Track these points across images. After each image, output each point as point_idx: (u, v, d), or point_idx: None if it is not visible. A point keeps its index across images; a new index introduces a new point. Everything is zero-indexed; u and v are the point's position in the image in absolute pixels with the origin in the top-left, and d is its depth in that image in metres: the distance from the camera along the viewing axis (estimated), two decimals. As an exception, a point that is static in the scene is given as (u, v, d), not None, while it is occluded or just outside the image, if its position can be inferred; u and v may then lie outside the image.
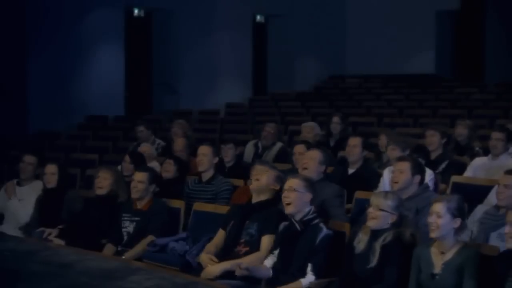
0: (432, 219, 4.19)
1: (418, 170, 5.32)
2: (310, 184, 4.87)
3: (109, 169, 6.33)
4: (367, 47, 15.55)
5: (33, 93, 11.65)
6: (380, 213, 4.46)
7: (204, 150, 6.43)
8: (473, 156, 7.19)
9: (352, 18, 16.06)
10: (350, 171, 6.63)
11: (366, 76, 14.78)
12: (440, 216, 4.17)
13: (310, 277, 4.57)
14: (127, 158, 7.05)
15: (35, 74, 11.63)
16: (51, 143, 10.66)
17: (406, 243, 4.37)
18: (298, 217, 4.78)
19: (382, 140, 7.30)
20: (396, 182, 5.28)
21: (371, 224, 4.49)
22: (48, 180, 6.50)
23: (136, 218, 5.81)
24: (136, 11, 13.50)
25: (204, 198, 6.20)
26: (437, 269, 4.16)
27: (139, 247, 5.61)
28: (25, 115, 11.64)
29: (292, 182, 4.83)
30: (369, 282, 4.37)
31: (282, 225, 4.89)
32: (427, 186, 5.41)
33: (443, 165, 6.64)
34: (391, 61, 15.00)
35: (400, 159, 5.56)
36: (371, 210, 4.50)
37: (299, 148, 6.77)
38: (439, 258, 4.19)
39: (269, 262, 4.75)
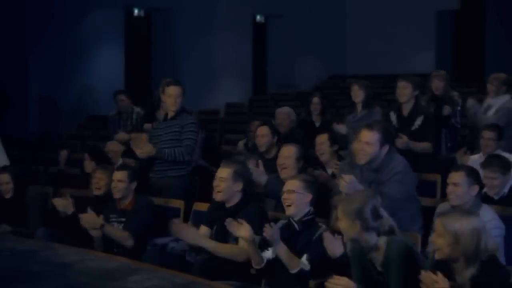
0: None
1: (387, 139, 4.95)
2: (310, 184, 4.82)
3: (105, 169, 6.30)
4: (367, 47, 15.54)
5: (33, 93, 11.65)
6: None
7: (177, 91, 6.42)
8: (454, 105, 7.42)
9: (352, 18, 16.06)
10: (329, 171, 6.30)
11: (366, 76, 14.74)
12: (340, 218, 4.01)
13: (305, 263, 4.52)
14: (87, 155, 7.20)
15: (35, 74, 11.62)
16: (51, 143, 10.65)
17: None
18: (297, 217, 4.75)
19: (355, 91, 7.24)
20: (361, 157, 4.95)
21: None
22: (5, 190, 6.49)
23: (123, 219, 5.75)
24: (136, 11, 13.49)
25: (169, 132, 6.30)
26: None
27: (119, 233, 5.60)
28: (25, 115, 11.64)
29: (292, 184, 4.79)
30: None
31: (280, 223, 4.87)
32: (392, 153, 5.04)
33: (419, 121, 6.53)
34: (391, 61, 14.99)
35: (368, 127, 4.99)
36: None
37: (262, 130, 6.76)
38: None
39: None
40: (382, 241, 3.92)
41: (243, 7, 14.09)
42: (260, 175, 5.62)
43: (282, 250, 4.57)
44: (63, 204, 6.01)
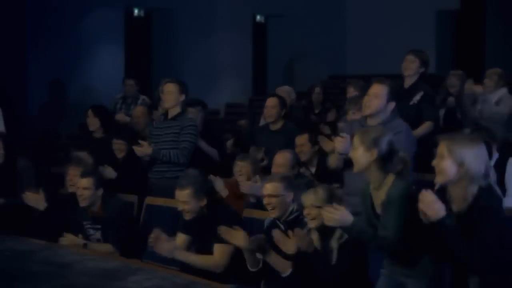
0: (351, 152, 4.09)
1: (394, 97, 5.05)
2: (289, 182, 4.76)
3: (78, 164, 6.17)
4: (368, 47, 15.53)
5: (33, 93, 11.64)
6: (316, 211, 4.33)
7: (170, 88, 6.43)
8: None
9: (352, 18, 16.04)
10: (312, 169, 6.38)
11: (366, 76, 14.73)
12: (355, 147, 4.04)
13: None
14: (90, 112, 7.11)
15: (35, 74, 11.62)
16: (51, 143, 10.64)
17: None
18: (282, 217, 4.72)
19: (350, 93, 7.32)
20: (368, 107, 5.00)
21: (314, 224, 4.37)
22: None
23: (98, 226, 5.65)
24: (136, 11, 13.49)
25: (169, 133, 6.31)
26: None
27: (101, 247, 5.52)
28: (25, 116, 11.64)
29: (270, 188, 4.72)
30: (330, 281, 4.26)
31: (266, 222, 4.84)
32: (397, 114, 5.13)
33: (418, 97, 6.52)
34: (391, 61, 14.93)
35: (379, 81, 5.13)
36: (307, 212, 4.40)
37: (271, 101, 6.92)
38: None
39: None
40: (390, 179, 3.95)
41: (243, 7, 14.08)
42: (257, 190, 5.44)
43: (271, 257, 4.52)
44: (35, 199, 5.90)
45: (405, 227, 3.83)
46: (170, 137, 6.34)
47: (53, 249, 4.65)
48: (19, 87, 11.52)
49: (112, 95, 10.15)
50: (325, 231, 4.33)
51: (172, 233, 5.64)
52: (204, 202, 4.99)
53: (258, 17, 15.19)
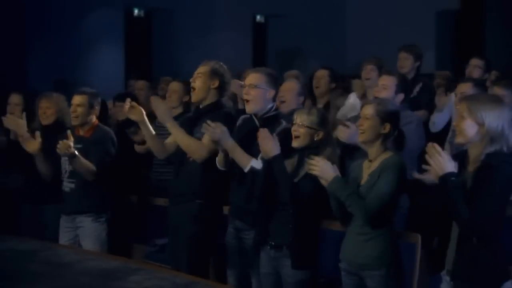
0: (360, 121, 4.07)
1: (403, 87, 5.06)
2: (273, 79, 4.58)
3: (50, 97, 6.06)
4: (367, 47, 15.51)
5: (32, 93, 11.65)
6: (304, 130, 4.25)
7: (175, 87, 6.37)
8: None
9: (352, 18, 16.05)
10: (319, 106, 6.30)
11: (366, 76, 14.74)
12: (367, 118, 4.03)
13: (258, 161, 4.37)
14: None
15: (35, 74, 11.62)
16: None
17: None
18: (259, 114, 4.53)
19: (368, 70, 7.13)
20: (376, 97, 5.00)
21: (296, 144, 4.27)
22: (12, 111, 6.24)
23: (78, 146, 5.45)
24: (136, 11, 13.49)
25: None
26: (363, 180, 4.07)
27: (87, 164, 5.36)
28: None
29: (253, 78, 4.52)
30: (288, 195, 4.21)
31: (241, 120, 4.69)
32: (407, 106, 5.17)
33: (417, 88, 6.51)
34: (391, 61, 14.97)
35: (387, 73, 5.19)
36: (294, 128, 4.29)
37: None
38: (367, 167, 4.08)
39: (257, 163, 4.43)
40: (388, 153, 4.00)
41: (243, 7, 14.08)
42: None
43: (229, 146, 4.39)
44: (15, 122, 5.72)
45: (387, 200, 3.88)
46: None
47: (53, 249, 4.65)
48: (19, 87, 11.50)
49: (112, 95, 10.14)
50: (304, 152, 4.26)
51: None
52: (215, 84, 4.81)
53: (258, 17, 15.19)
